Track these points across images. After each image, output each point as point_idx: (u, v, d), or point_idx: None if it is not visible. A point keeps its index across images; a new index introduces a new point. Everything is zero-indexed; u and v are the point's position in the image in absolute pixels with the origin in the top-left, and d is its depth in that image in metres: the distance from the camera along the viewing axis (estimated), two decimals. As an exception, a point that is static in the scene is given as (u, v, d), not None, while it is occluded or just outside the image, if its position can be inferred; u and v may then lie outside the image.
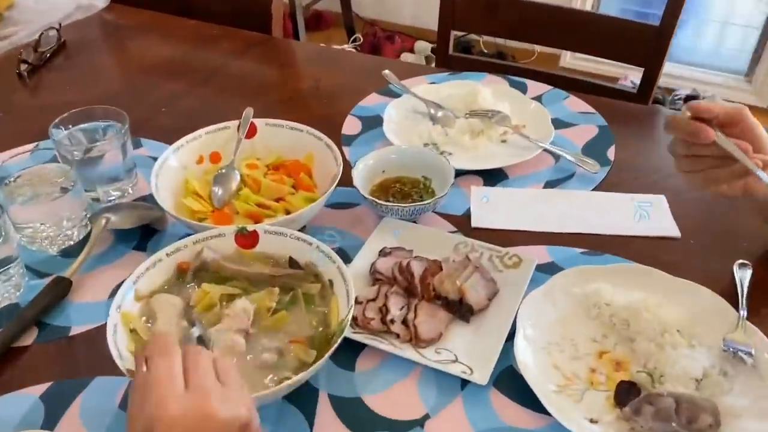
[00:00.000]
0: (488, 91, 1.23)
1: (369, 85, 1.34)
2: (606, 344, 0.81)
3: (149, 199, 1.04)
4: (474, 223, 1.00)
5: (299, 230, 0.88)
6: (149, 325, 0.76)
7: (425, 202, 0.96)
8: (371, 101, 1.30)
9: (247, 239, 0.85)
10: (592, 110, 1.25)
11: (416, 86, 1.29)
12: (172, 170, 1.00)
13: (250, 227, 0.85)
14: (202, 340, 0.71)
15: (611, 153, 1.14)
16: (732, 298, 0.85)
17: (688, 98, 2.93)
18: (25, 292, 0.90)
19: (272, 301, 0.78)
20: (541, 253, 0.94)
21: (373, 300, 0.84)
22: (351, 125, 1.23)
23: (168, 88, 1.36)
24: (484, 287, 0.86)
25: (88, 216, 0.98)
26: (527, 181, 1.09)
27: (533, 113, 1.21)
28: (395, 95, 1.29)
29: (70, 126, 1.04)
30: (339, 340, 0.71)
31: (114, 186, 1.04)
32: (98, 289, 0.90)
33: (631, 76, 3.05)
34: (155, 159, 1.12)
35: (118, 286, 0.89)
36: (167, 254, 0.82)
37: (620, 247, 0.96)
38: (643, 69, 1.49)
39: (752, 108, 3.28)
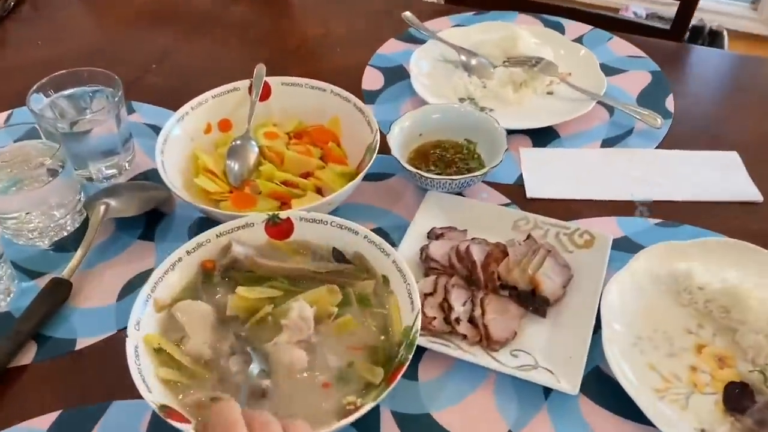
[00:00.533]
0: (527, 34, 1.08)
1: (385, 29, 1.18)
2: (703, 336, 0.71)
3: (151, 175, 0.90)
4: (529, 194, 0.87)
5: (331, 212, 0.75)
6: (181, 347, 0.63)
7: (478, 173, 0.83)
8: (391, 48, 1.15)
9: (279, 228, 0.72)
10: (641, 53, 1.11)
11: (440, 30, 1.14)
12: (178, 143, 0.85)
13: (283, 214, 0.72)
14: (261, 374, 0.60)
15: (670, 103, 1.01)
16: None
17: (694, 29, 2.78)
18: (17, 297, 0.76)
19: (333, 303, 0.66)
20: (611, 227, 0.82)
21: (431, 294, 0.73)
22: (372, 78, 1.08)
23: (156, 41, 1.19)
24: (558, 274, 0.74)
25: (82, 200, 0.84)
26: (581, 140, 0.96)
27: (580, 60, 1.06)
28: (418, 41, 1.14)
29: (51, 92, 0.88)
30: (410, 357, 0.60)
31: (109, 161, 0.89)
32: (104, 291, 0.77)
33: (632, 6, 2.89)
34: (151, 126, 0.98)
35: (127, 286, 0.77)
36: (187, 252, 0.69)
37: (696, 215, 0.84)
38: (678, 2, 1.35)
39: (758, 37, 3.10)
